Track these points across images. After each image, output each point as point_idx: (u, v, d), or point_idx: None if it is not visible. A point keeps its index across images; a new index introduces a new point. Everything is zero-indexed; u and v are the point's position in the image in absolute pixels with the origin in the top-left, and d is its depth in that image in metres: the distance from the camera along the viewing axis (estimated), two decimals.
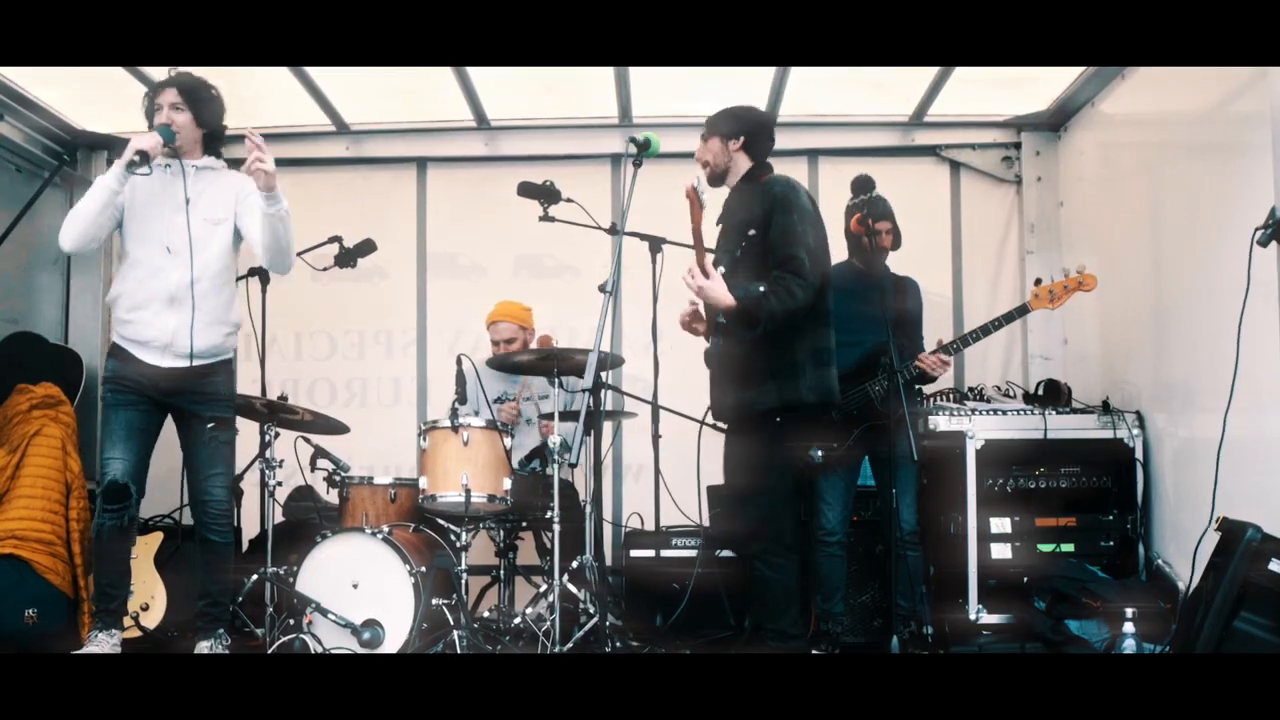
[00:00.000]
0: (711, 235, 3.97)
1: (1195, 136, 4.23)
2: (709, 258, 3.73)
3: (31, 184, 5.14)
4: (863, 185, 4.22)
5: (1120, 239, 4.82)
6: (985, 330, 4.40)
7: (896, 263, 4.53)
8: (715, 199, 3.95)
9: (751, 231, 3.75)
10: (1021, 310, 4.42)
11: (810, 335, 3.73)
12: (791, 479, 3.83)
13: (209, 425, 3.94)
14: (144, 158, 3.72)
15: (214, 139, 4.02)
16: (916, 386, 4.56)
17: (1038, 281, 4.45)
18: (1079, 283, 4.34)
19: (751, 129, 3.94)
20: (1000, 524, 4.58)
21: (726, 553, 4.55)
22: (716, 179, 3.98)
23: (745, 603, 4.46)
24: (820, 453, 4.13)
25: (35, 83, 5.03)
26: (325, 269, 5.12)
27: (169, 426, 4.07)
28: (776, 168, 4.00)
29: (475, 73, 5.16)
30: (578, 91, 5.38)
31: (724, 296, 3.65)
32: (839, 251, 4.44)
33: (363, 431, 5.07)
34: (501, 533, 4.60)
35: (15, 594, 4.33)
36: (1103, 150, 5.22)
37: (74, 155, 5.68)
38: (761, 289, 3.61)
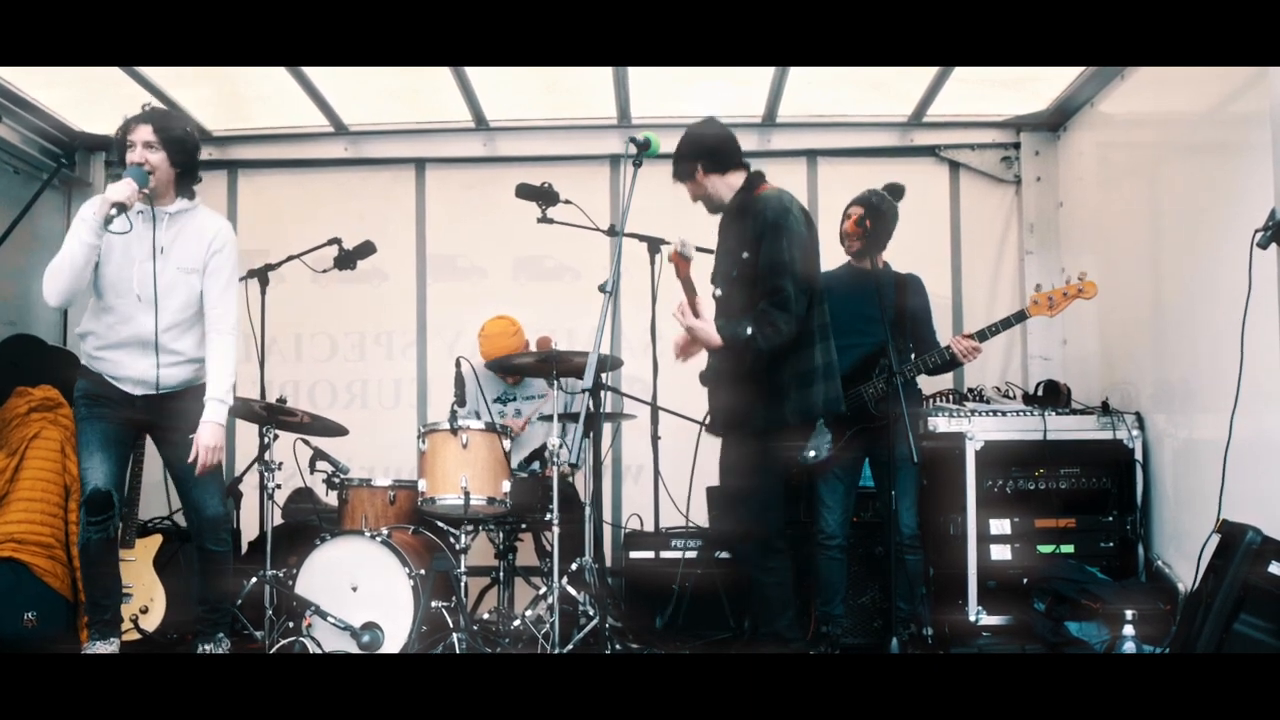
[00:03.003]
0: (710, 236, 3.97)
1: (1195, 136, 4.23)
2: (700, 297, 3.74)
3: (30, 186, 5.13)
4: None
5: (1120, 239, 4.82)
6: (994, 329, 4.39)
7: (897, 261, 4.53)
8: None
9: (745, 255, 3.77)
10: (1020, 316, 4.43)
11: (795, 358, 3.74)
12: (780, 483, 3.83)
13: (191, 436, 3.82)
14: (121, 209, 3.62)
15: (187, 178, 3.91)
16: (913, 388, 4.54)
17: (1038, 287, 4.46)
18: (1079, 290, 4.35)
19: (698, 151, 3.88)
20: (1000, 525, 4.58)
21: (726, 554, 4.55)
22: (715, 207, 3.96)
23: (744, 604, 4.45)
24: (812, 454, 4.13)
25: (34, 84, 5.03)
26: (325, 271, 5.11)
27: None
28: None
29: (474, 73, 5.15)
30: (576, 92, 5.38)
31: (711, 337, 3.68)
32: (837, 256, 4.45)
33: (362, 433, 5.07)
34: (501, 535, 4.60)
35: (14, 597, 4.33)
36: (1102, 150, 5.21)
37: (72, 157, 5.66)
38: (748, 330, 3.63)
